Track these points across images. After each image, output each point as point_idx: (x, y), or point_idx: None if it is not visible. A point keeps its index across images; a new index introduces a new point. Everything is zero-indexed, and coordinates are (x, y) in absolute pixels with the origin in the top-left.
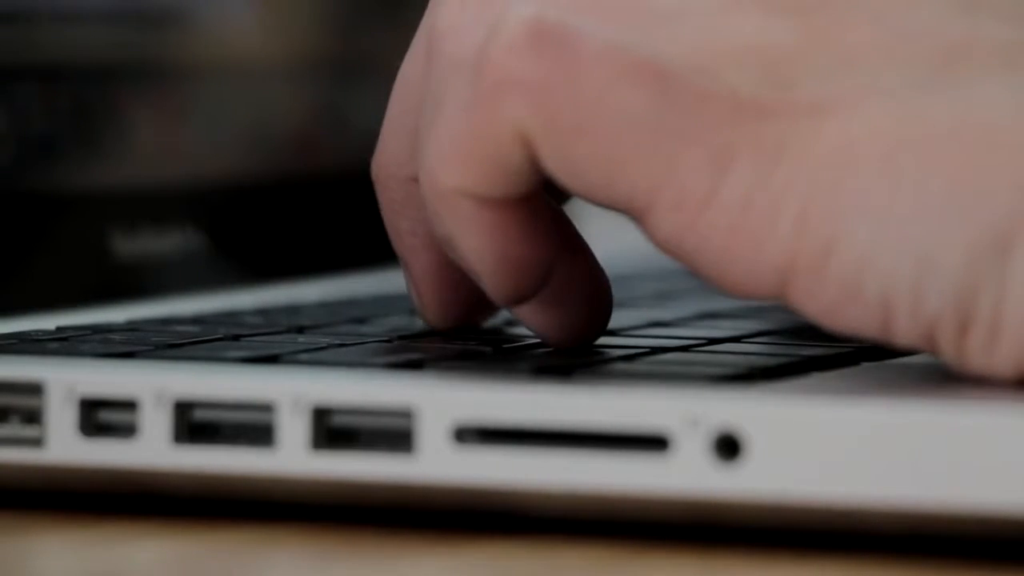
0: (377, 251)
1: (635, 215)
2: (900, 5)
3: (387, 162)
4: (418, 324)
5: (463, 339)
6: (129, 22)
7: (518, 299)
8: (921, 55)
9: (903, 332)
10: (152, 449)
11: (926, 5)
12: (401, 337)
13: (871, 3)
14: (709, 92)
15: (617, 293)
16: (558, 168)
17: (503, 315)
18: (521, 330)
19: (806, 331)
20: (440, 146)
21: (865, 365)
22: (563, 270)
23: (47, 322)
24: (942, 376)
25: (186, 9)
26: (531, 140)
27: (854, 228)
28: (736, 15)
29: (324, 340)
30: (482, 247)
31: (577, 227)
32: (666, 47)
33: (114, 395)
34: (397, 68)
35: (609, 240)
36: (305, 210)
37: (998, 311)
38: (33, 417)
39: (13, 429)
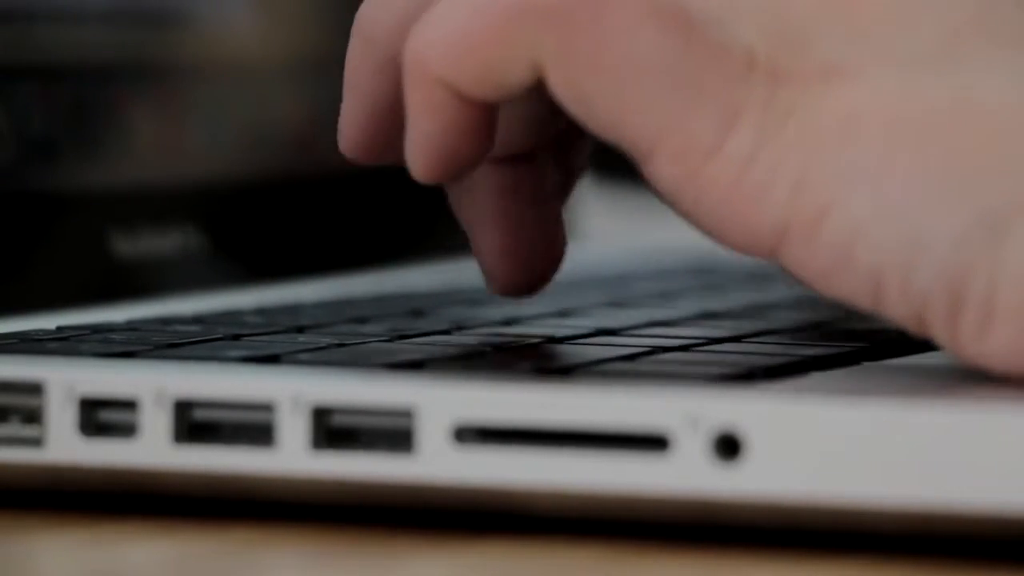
0: (377, 251)
1: (638, 157)
2: None
3: (379, 15)
4: (418, 324)
5: (463, 339)
6: (129, 22)
7: (434, 182)
8: (934, 29)
9: (893, 306)
10: (152, 449)
11: None
12: (401, 337)
13: None
14: (727, 47)
15: (617, 293)
16: (567, 97)
17: (501, 315)
18: (521, 330)
19: (806, 331)
20: (443, 33)
21: (865, 365)
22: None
23: (47, 322)
24: (942, 376)
25: (186, 9)
26: (543, 66)
27: (849, 196)
28: None
29: (324, 340)
30: (434, 133)
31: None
32: None
33: (114, 395)
34: None
35: (609, 240)
36: (305, 210)
37: (991, 295)
38: (33, 417)
39: (13, 429)
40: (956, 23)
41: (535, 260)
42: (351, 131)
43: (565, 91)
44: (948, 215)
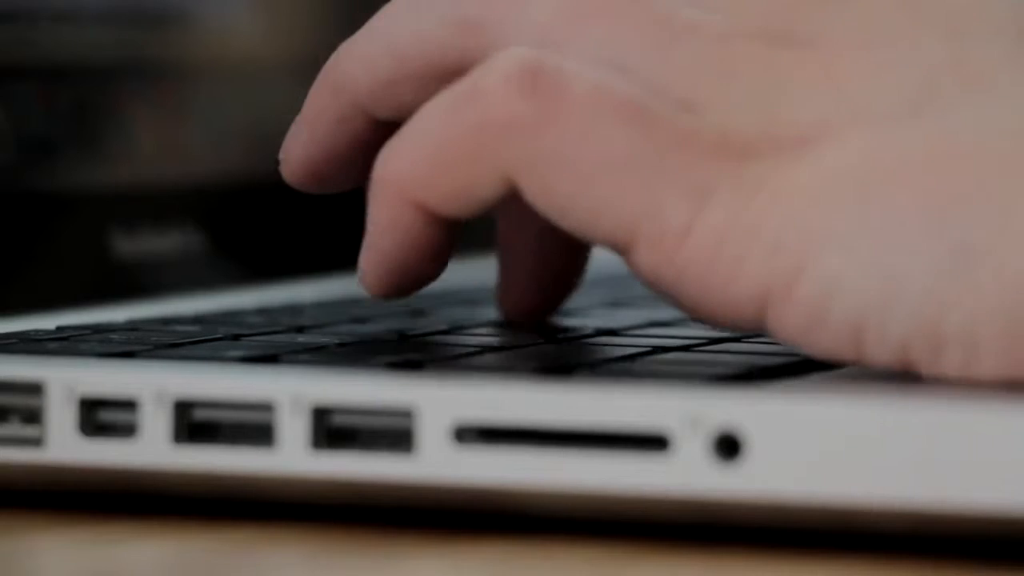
0: None
1: (619, 252)
2: (889, 33)
3: (356, 72)
4: (418, 324)
5: (463, 339)
6: (129, 22)
7: (383, 297)
8: (908, 79)
9: (875, 354)
10: (152, 449)
11: (912, 32)
12: (401, 337)
13: (862, 34)
14: (692, 130)
15: (617, 293)
16: (541, 204)
17: (501, 315)
18: (521, 330)
19: None
20: (415, 153)
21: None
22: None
23: (47, 322)
24: (942, 376)
25: (186, 9)
26: (513, 176)
27: (822, 254)
28: (734, 49)
29: (324, 340)
30: (394, 253)
31: None
32: (657, 79)
33: (114, 395)
34: None
35: None
36: (305, 210)
37: (971, 331)
38: (33, 417)
39: (13, 429)
40: (930, 69)
41: (556, 289)
42: (300, 166)
43: (538, 200)
44: (920, 255)
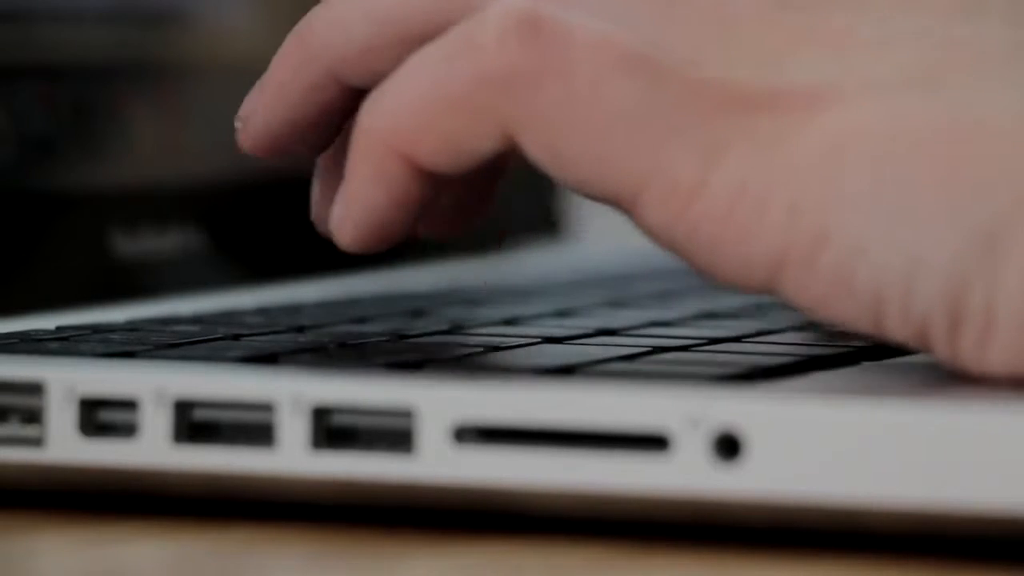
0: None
1: (624, 206)
2: (903, 6)
3: (333, 38)
4: (418, 324)
5: (463, 339)
6: (129, 22)
7: (359, 251)
8: (920, 53)
9: (895, 327)
10: (152, 449)
11: (928, 8)
12: (401, 337)
13: (875, 4)
14: (701, 82)
15: (617, 293)
16: (544, 160)
17: (501, 315)
18: (521, 330)
19: (806, 331)
20: (402, 104)
21: (865, 365)
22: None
23: (47, 322)
24: (942, 376)
25: (186, 9)
26: (514, 132)
27: (845, 221)
28: (738, 8)
29: (324, 340)
30: (378, 206)
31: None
32: (660, 35)
33: (114, 395)
34: None
35: (609, 240)
36: (305, 210)
37: (990, 308)
38: (33, 417)
39: (13, 429)
40: (945, 46)
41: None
42: (262, 133)
43: (541, 154)
44: (945, 232)
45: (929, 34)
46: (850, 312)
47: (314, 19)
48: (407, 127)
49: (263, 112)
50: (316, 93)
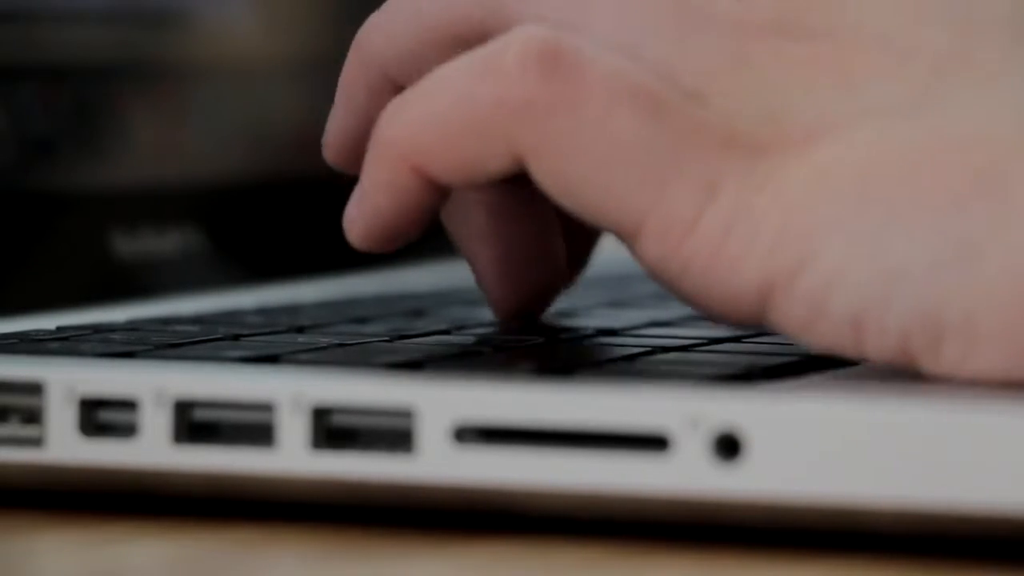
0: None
1: (624, 238)
2: (898, 26)
3: (378, 43)
4: (418, 324)
5: (463, 339)
6: (129, 22)
7: (366, 251)
8: (917, 71)
9: (876, 347)
10: (152, 449)
11: (919, 25)
12: (401, 337)
13: (877, 25)
14: (703, 122)
15: (617, 293)
16: (552, 186)
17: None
18: (521, 330)
19: None
20: (421, 118)
21: (865, 365)
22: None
23: (47, 322)
24: (942, 376)
25: (186, 9)
26: (524, 155)
27: (824, 246)
28: (749, 40)
29: (324, 340)
30: (386, 212)
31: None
32: (671, 65)
33: (114, 395)
34: None
35: (609, 240)
36: (305, 210)
37: (970, 322)
38: (33, 417)
39: (13, 429)
40: (935, 62)
41: (532, 280)
42: (339, 141)
43: (547, 180)
44: (921, 248)
45: (930, 53)
46: (830, 336)
47: (368, 25)
48: (424, 142)
49: (336, 124)
50: (376, 97)
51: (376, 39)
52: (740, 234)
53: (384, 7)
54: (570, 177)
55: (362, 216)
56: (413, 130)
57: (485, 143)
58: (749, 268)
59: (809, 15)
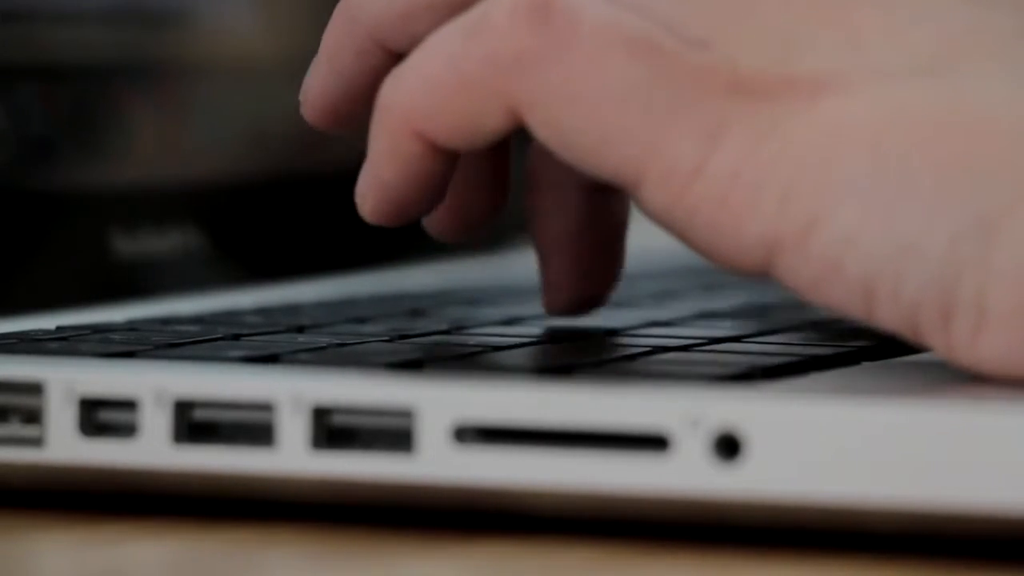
0: (377, 251)
1: (626, 186)
2: None
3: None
4: (418, 324)
5: (463, 339)
6: (129, 22)
7: (380, 224)
8: (926, 40)
9: (885, 315)
10: (152, 449)
11: None
12: (401, 337)
13: None
14: (706, 66)
15: (617, 293)
16: (549, 137)
17: (501, 315)
18: (521, 330)
19: (806, 331)
20: (418, 84)
21: (865, 365)
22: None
23: (47, 322)
24: (942, 376)
25: (186, 9)
26: (520, 109)
27: (838, 206)
28: None
29: (324, 340)
30: (394, 182)
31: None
32: (675, 15)
33: (114, 395)
34: None
35: None
36: (305, 210)
37: (982, 298)
38: (33, 417)
39: (13, 429)
40: (949, 33)
41: (598, 282)
42: (321, 101)
43: (545, 131)
44: (938, 221)
45: (940, 21)
46: (841, 297)
47: None
48: (422, 105)
49: (318, 84)
50: (364, 59)
51: (364, 0)
52: (747, 184)
53: None
54: (566, 126)
55: (369, 190)
56: (411, 96)
57: (480, 101)
58: (757, 219)
59: None
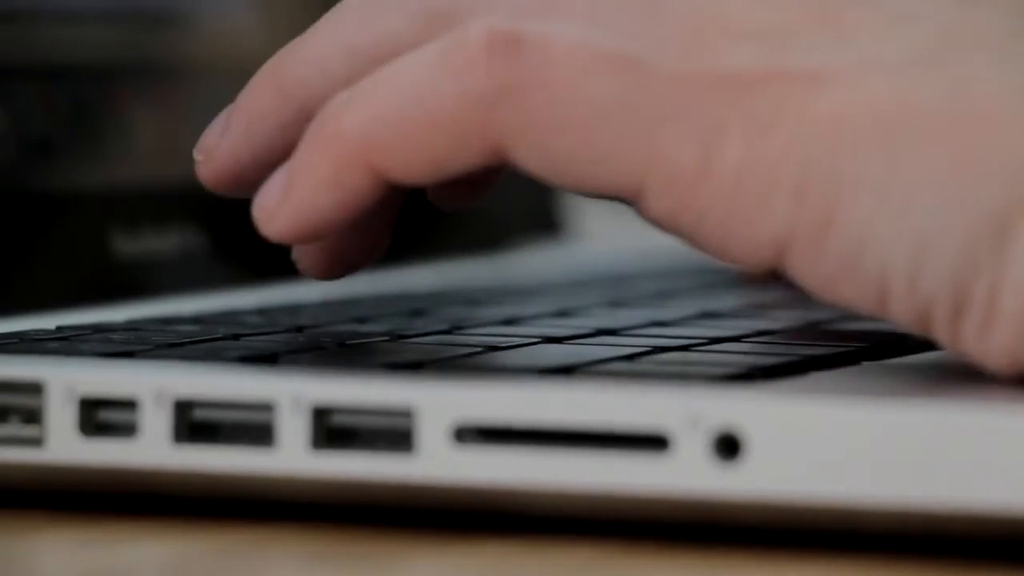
0: None
1: (628, 199)
2: None
3: (308, 77)
4: (418, 324)
5: (463, 339)
6: (129, 22)
7: (286, 244)
8: (915, 35)
9: (898, 309)
10: (152, 449)
11: None
12: (401, 337)
13: None
14: (686, 70)
15: (617, 293)
16: (540, 166)
17: (501, 315)
18: (521, 330)
19: (806, 331)
20: (380, 116)
21: (865, 365)
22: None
23: (47, 322)
24: (942, 376)
25: (186, 9)
26: (504, 143)
27: (853, 201)
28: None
29: (324, 340)
30: (322, 205)
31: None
32: (648, 34)
33: (114, 395)
34: None
35: (609, 240)
36: None
37: (994, 295)
38: (33, 417)
39: (13, 429)
40: (938, 29)
41: (355, 255)
42: (230, 166)
43: (534, 162)
44: (954, 218)
45: (928, 18)
46: (855, 292)
47: (288, 58)
48: (383, 139)
49: (229, 148)
50: (287, 131)
51: (300, 71)
52: (756, 179)
53: (305, 37)
54: (555, 153)
55: (291, 210)
56: (370, 128)
57: (456, 139)
58: (769, 217)
59: None
